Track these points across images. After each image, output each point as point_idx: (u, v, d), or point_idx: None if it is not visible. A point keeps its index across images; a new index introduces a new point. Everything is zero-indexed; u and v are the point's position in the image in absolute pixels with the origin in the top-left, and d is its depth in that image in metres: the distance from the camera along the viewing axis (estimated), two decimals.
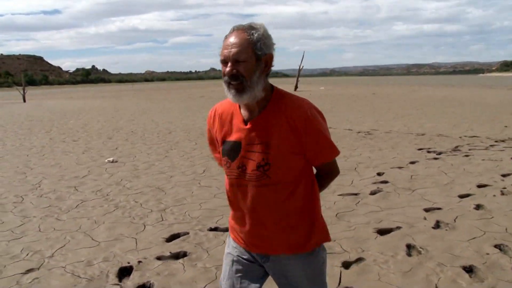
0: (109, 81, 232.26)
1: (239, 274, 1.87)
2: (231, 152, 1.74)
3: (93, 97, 47.37)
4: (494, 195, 5.31)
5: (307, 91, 41.50)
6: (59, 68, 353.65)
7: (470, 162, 7.30)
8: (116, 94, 52.42)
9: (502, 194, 5.36)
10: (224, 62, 1.64)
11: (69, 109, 26.53)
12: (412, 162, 7.37)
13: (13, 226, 4.89)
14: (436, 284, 3.13)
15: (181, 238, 4.25)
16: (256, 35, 1.61)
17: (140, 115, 19.68)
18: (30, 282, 3.47)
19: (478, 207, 4.87)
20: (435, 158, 7.69)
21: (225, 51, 1.62)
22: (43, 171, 7.87)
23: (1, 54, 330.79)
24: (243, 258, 1.88)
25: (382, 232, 4.18)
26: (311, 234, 1.79)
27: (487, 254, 3.61)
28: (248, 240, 1.84)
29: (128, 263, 3.71)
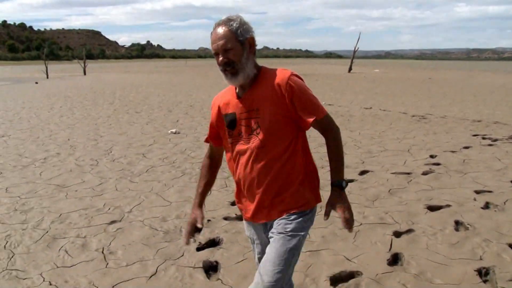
0: (163, 57, 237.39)
1: (259, 255, 2.14)
2: (231, 123, 2.01)
3: (149, 71, 48.91)
4: None
5: (361, 73, 40.90)
6: (116, 43, 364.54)
7: None
8: (171, 70, 53.80)
9: None
10: (216, 54, 1.90)
11: (128, 82, 27.72)
12: (466, 147, 7.43)
13: (93, 185, 5.51)
14: (480, 256, 3.38)
15: None
16: (234, 25, 1.88)
17: (197, 90, 20.36)
18: (115, 231, 4.01)
19: None
20: (490, 145, 7.69)
21: (214, 45, 1.89)
22: (112, 139, 8.56)
23: (62, 29, 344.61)
24: (255, 236, 2.15)
25: (432, 208, 4.42)
26: (300, 196, 1.98)
27: None
28: (250, 211, 2.05)
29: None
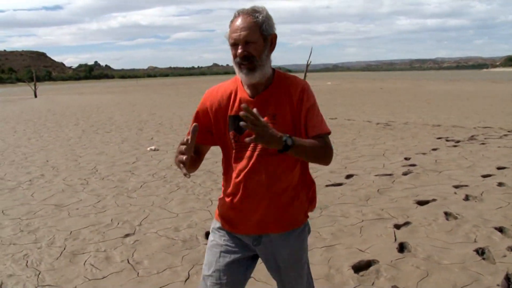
0: (112, 77, 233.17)
1: (226, 267, 1.88)
2: (239, 126, 1.72)
3: (102, 92, 48.06)
4: None
5: (315, 85, 42.10)
6: (62, 64, 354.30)
7: (487, 149, 7.98)
8: (124, 90, 53.08)
9: None
10: (234, 44, 1.74)
11: (84, 103, 27.22)
12: (434, 149, 8.06)
13: (92, 202, 5.59)
14: (475, 239, 3.84)
15: None
16: (260, 17, 1.73)
17: (159, 109, 20.37)
18: (133, 244, 4.16)
19: (500, 184, 5.56)
20: (454, 146, 8.38)
21: (235, 34, 1.72)
22: (93, 159, 8.57)
23: (4, 50, 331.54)
24: (231, 247, 1.90)
25: (421, 203, 4.87)
26: (303, 210, 1.93)
27: None
28: (243, 221, 1.88)
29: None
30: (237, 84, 1.87)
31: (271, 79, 1.83)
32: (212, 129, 1.91)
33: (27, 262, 3.85)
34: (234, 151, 1.85)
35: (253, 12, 1.74)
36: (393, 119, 13.12)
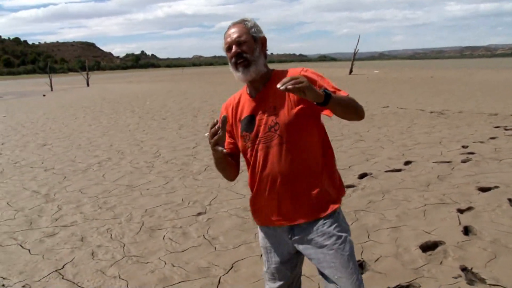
0: (158, 66, 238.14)
1: (276, 266, 2.06)
2: (248, 126, 1.94)
3: (151, 81, 49.39)
4: None
5: (362, 74, 41.51)
6: (110, 53, 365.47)
7: None
8: (171, 78, 54.26)
9: None
10: (229, 48, 1.92)
11: (136, 92, 28.18)
12: (492, 138, 7.95)
13: (161, 183, 5.96)
14: None
15: None
16: (249, 24, 1.94)
17: (210, 97, 20.85)
18: (206, 221, 4.47)
19: None
20: None
21: (228, 39, 1.92)
22: (154, 143, 9.02)
23: (56, 42, 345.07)
24: (274, 247, 2.04)
25: (483, 189, 4.91)
26: (329, 195, 1.94)
27: None
28: (270, 214, 1.96)
29: None
30: (243, 91, 2.05)
31: (268, 77, 1.96)
32: (232, 136, 2.07)
33: (111, 235, 4.23)
34: (249, 149, 1.96)
35: (242, 21, 1.95)
36: (446, 107, 12.88)
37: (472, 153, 6.73)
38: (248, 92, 2.01)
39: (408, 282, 3.01)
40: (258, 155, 1.92)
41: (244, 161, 2.08)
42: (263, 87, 1.95)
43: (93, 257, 3.75)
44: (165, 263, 3.56)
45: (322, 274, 1.93)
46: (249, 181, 2.06)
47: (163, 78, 56.28)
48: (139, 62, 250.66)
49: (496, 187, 4.99)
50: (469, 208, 4.36)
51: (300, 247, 1.96)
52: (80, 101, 22.41)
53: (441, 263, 3.27)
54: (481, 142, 7.63)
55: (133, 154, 8.08)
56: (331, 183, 1.96)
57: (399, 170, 5.86)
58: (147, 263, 3.60)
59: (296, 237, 1.95)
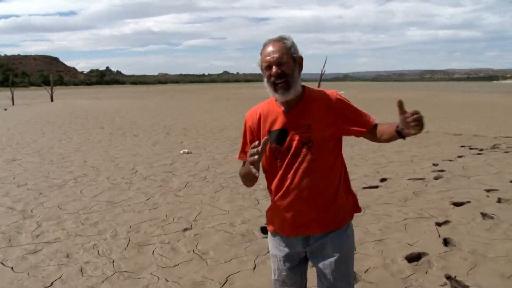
0: (123, 83, 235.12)
1: (287, 273, 2.15)
2: (279, 139, 2.01)
3: (117, 97, 48.77)
4: None
5: None
6: (74, 69, 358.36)
7: (511, 157, 8.25)
8: (139, 95, 53.77)
9: None
10: (268, 67, 1.96)
11: (103, 108, 27.76)
12: (459, 156, 8.35)
13: (142, 200, 5.94)
14: None
15: None
16: (288, 43, 1.98)
17: (180, 114, 20.81)
18: (194, 237, 4.49)
19: None
20: (479, 154, 8.66)
21: (268, 57, 1.95)
22: (129, 160, 8.95)
23: (18, 54, 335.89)
24: (287, 255, 2.13)
25: (457, 204, 5.18)
26: (345, 209, 2.10)
27: None
28: (291, 224, 2.06)
29: (265, 224, 4.72)
30: (272, 103, 2.09)
31: (301, 95, 2.04)
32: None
33: (98, 251, 4.20)
34: (276, 161, 2.04)
35: (281, 39, 1.98)
36: None
37: (443, 171, 7.05)
38: (279, 105, 2.06)
39: None
40: (288, 168, 2.01)
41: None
42: (297, 103, 2.02)
43: (83, 273, 3.71)
44: (159, 278, 3.57)
45: (320, 279, 2.11)
46: (272, 190, 2.12)
47: (130, 95, 55.68)
48: (104, 78, 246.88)
49: (469, 201, 5.27)
50: (446, 222, 4.59)
51: (311, 256, 2.11)
52: (46, 116, 21.88)
53: (426, 272, 3.45)
54: (450, 160, 8.00)
55: (109, 170, 8.00)
56: (348, 198, 2.12)
57: (376, 187, 6.08)
58: (140, 278, 3.59)
59: (309, 247, 2.08)
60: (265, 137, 1.85)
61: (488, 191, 5.78)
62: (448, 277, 3.34)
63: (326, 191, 2.02)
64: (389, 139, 1.98)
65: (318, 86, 34.73)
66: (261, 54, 2.01)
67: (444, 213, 4.87)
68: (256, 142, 1.86)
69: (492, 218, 4.69)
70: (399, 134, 1.85)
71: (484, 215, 4.79)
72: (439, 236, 4.21)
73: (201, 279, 3.53)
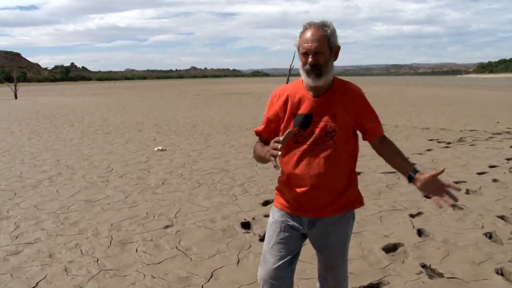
0: (89, 79, 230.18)
1: (284, 241, 2.19)
2: (303, 123, 2.08)
3: (84, 94, 47.77)
4: (504, 172, 6.65)
5: None
6: (37, 65, 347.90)
7: (476, 150, 8.64)
8: (106, 92, 52.82)
9: (511, 172, 6.67)
10: (305, 54, 2.01)
11: (71, 105, 27.18)
12: (428, 150, 8.69)
13: (120, 198, 5.94)
14: (482, 225, 4.40)
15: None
16: (329, 31, 2.00)
17: (151, 111, 20.62)
18: (175, 234, 4.55)
19: (494, 180, 6.17)
20: (446, 147, 9.03)
21: (306, 45, 1.98)
22: (104, 158, 8.87)
23: None
24: (289, 225, 2.21)
25: (428, 197, 5.38)
26: (353, 196, 2.23)
27: (511, 208, 4.89)
28: (304, 204, 2.15)
29: (245, 219, 4.84)
30: (300, 86, 2.15)
31: (331, 83, 2.11)
32: (279, 125, 2.19)
33: (81, 250, 4.20)
34: (296, 144, 2.10)
35: (323, 26, 2.00)
36: (383, 122, 13.66)
37: (413, 164, 7.30)
38: (308, 90, 2.12)
39: (378, 280, 3.33)
40: (308, 154, 2.09)
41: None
42: (325, 92, 2.10)
43: (67, 273, 3.71)
44: (145, 275, 3.62)
45: (324, 256, 2.30)
46: (289, 170, 2.16)
47: (97, 92, 54.60)
48: (69, 74, 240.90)
49: None
50: (419, 213, 4.81)
51: (312, 236, 2.25)
52: (12, 114, 21.25)
53: (403, 262, 3.64)
54: (419, 153, 8.31)
55: (84, 169, 7.92)
56: (355, 188, 2.26)
57: None
58: (125, 276, 3.63)
59: (315, 228, 2.20)
60: (289, 130, 1.93)
61: (456, 183, 6.04)
62: (424, 266, 3.53)
63: (341, 180, 2.13)
64: (391, 165, 2.31)
65: (287, 82, 35.02)
66: (300, 37, 2.04)
67: (417, 205, 5.10)
68: (281, 139, 1.91)
69: (462, 209, 4.94)
70: (410, 179, 2.17)
71: (454, 206, 5.04)
72: (413, 227, 4.42)
73: (187, 274, 3.60)
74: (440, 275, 3.38)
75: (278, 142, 1.90)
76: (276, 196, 2.32)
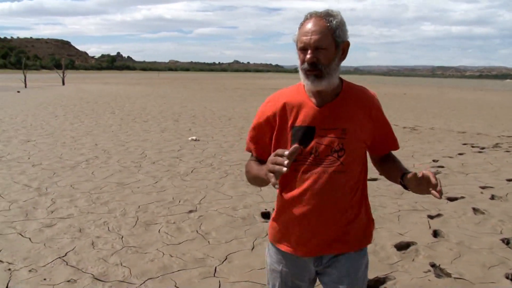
0: (133, 69, 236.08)
1: None
2: (304, 138, 1.67)
3: (127, 83, 49.14)
4: None
5: None
6: (85, 53, 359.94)
7: (510, 156, 8.43)
8: (148, 81, 54.15)
9: None
10: (303, 49, 1.61)
11: (114, 93, 28.12)
12: (460, 154, 8.55)
13: (150, 183, 6.23)
14: (501, 231, 4.37)
15: None
16: (335, 22, 1.59)
17: (189, 102, 21.09)
18: (198, 218, 4.77)
19: None
20: (480, 152, 8.86)
21: (305, 38, 1.59)
22: (139, 145, 9.24)
23: (30, 38, 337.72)
24: (294, 272, 1.83)
25: (451, 199, 5.40)
26: (366, 229, 1.82)
27: None
28: (305, 243, 1.75)
29: (265, 209, 5.00)
30: (301, 91, 1.74)
31: (338, 88, 1.71)
32: (272, 139, 1.78)
33: (108, 227, 4.49)
34: (295, 164, 1.67)
35: (327, 15, 1.60)
36: (419, 123, 13.57)
37: (442, 167, 7.26)
38: (310, 97, 1.72)
39: (385, 274, 3.41)
40: (309, 176, 1.68)
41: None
42: (332, 99, 1.69)
43: (94, 246, 4.00)
44: (163, 254, 3.85)
45: None
46: (285, 198, 1.78)
47: (140, 81, 56.06)
48: (115, 63, 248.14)
49: (462, 197, 5.49)
50: (438, 215, 4.82)
51: (321, 274, 1.84)
52: (58, 99, 22.25)
53: (413, 260, 3.70)
54: (450, 157, 8.20)
55: (119, 154, 8.29)
56: (367, 217, 1.84)
57: (375, 179, 6.29)
58: (146, 253, 3.87)
59: (321, 266, 1.81)
60: (296, 146, 1.50)
61: (483, 188, 5.99)
62: (433, 265, 3.58)
63: (349, 209, 1.73)
64: (388, 178, 1.85)
65: None
66: (299, 29, 1.65)
67: (437, 207, 5.11)
68: (286, 152, 1.48)
69: (483, 213, 4.91)
70: (404, 185, 1.67)
71: (475, 210, 5.02)
72: (430, 227, 4.45)
73: (203, 256, 3.81)
74: (448, 275, 3.43)
75: (282, 155, 1.48)
76: (271, 228, 1.90)
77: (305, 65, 1.62)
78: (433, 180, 1.50)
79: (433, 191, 1.51)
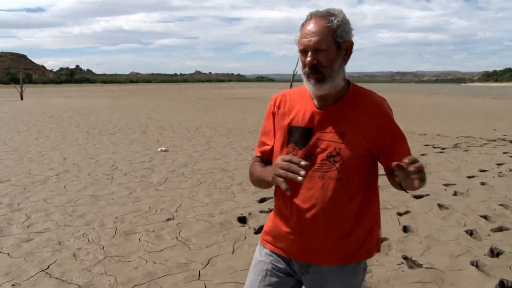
0: (94, 81, 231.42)
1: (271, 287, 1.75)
2: (300, 139, 1.63)
3: (89, 96, 48.23)
4: (493, 176, 6.93)
5: None
6: (43, 67, 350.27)
7: (469, 155, 8.92)
8: (110, 94, 53.32)
9: (499, 176, 6.99)
10: (304, 51, 1.57)
11: (76, 107, 27.58)
12: (423, 154, 8.97)
13: (124, 194, 6.25)
14: (464, 223, 4.69)
15: (269, 200, 5.69)
16: (335, 21, 1.54)
17: (155, 113, 20.98)
18: (176, 226, 4.86)
19: (482, 183, 6.45)
20: (441, 152, 9.31)
21: (304, 40, 1.55)
22: (109, 157, 9.19)
23: None
24: (278, 268, 1.76)
25: (417, 197, 5.70)
26: (362, 244, 1.69)
27: (494, 209, 5.20)
28: (293, 245, 1.70)
29: (241, 214, 5.14)
30: (304, 92, 1.70)
31: (344, 91, 1.65)
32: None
33: (88, 239, 4.51)
34: None
35: (328, 15, 1.55)
36: None
37: None
38: (312, 98, 1.68)
39: None
40: (304, 180, 1.53)
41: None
42: (334, 102, 1.64)
43: (76, 258, 4.02)
44: (147, 261, 3.92)
45: None
46: (276, 199, 1.79)
47: (102, 94, 55.13)
48: (74, 76, 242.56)
49: (428, 195, 5.81)
50: (407, 212, 5.10)
51: (307, 284, 1.77)
52: (18, 114, 21.64)
53: (386, 254, 3.92)
54: None
55: (90, 167, 8.24)
56: (368, 232, 1.71)
57: None
58: (129, 261, 3.93)
59: (308, 276, 1.73)
60: (307, 163, 1.45)
61: (446, 185, 6.34)
62: (405, 258, 3.82)
63: (345, 219, 1.64)
64: (396, 188, 1.69)
65: (291, 87, 35.26)
66: (300, 30, 1.61)
67: (405, 204, 5.39)
68: (303, 162, 1.44)
69: (447, 208, 5.23)
70: (402, 187, 1.57)
71: (440, 206, 5.33)
72: (400, 224, 4.71)
73: (185, 261, 3.90)
74: (419, 266, 3.66)
75: (295, 162, 1.45)
76: (267, 225, 1.86)
77: (306, 68, 1.59)
78: (403, 163, 1.39)
79: (412, 176, 1.38)
